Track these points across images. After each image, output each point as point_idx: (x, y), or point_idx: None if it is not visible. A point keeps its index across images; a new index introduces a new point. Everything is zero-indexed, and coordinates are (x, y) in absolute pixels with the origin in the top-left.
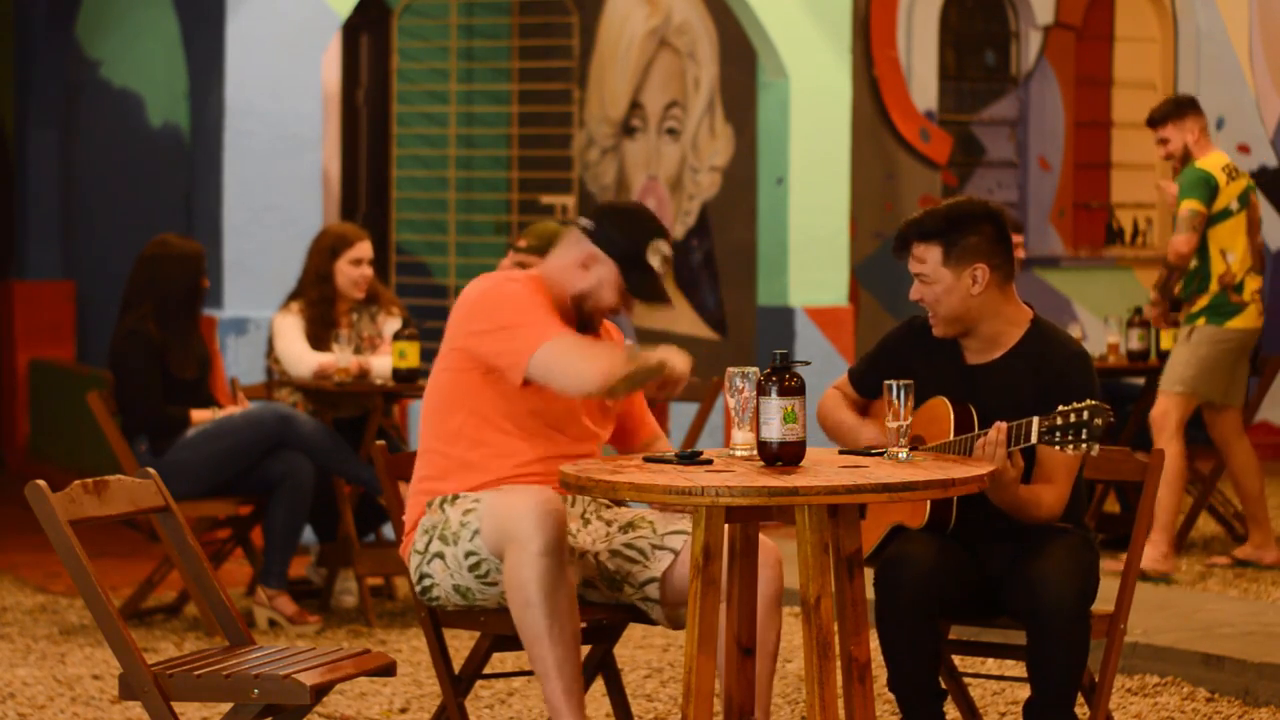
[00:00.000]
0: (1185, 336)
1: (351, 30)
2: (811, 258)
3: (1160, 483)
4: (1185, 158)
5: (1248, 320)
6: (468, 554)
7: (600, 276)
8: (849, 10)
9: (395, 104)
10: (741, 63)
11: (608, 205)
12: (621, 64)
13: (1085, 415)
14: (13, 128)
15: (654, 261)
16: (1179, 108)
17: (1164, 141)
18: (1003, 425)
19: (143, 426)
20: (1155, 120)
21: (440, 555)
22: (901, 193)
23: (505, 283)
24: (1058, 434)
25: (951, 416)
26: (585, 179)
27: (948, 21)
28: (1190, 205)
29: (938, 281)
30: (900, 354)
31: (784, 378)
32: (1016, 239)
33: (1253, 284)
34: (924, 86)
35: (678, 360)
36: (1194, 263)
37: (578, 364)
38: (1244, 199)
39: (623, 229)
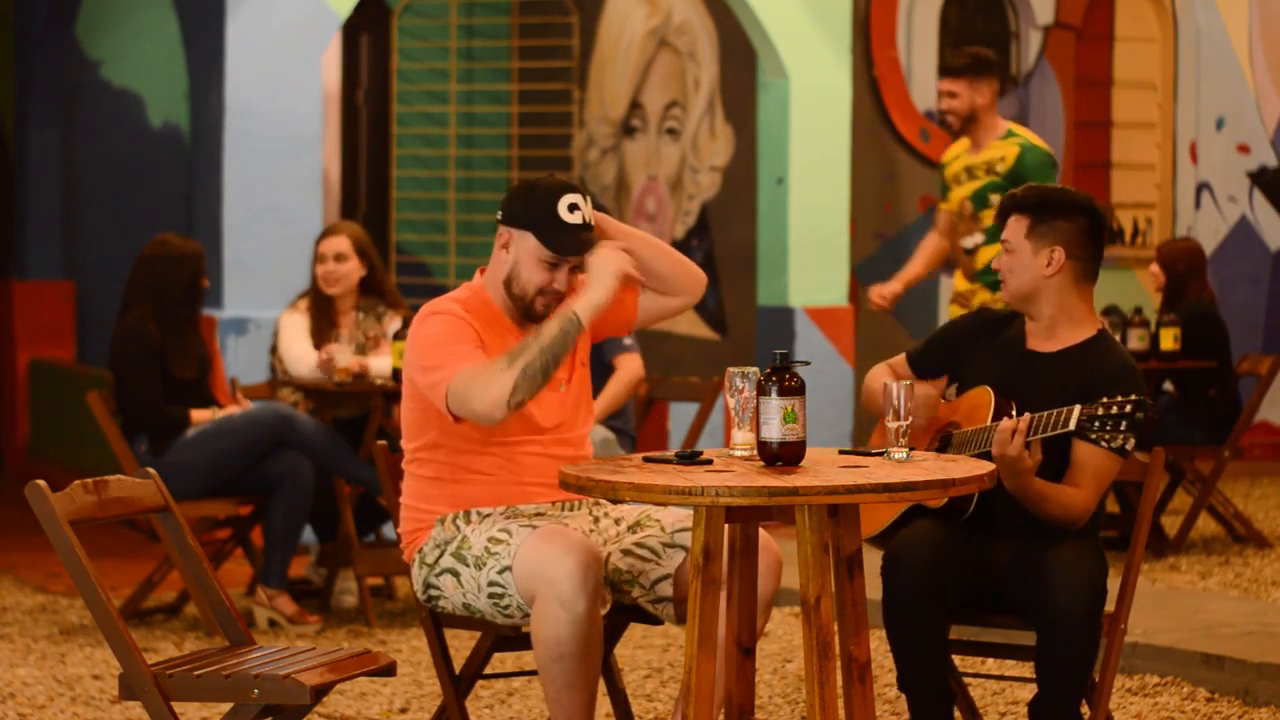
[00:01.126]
0: None
1: (351, 30)
2: (811, 258)
3: None
4: (967, 120)
5: None
6: (491, 583)
7: (517, 252)
8: (849, 10)
9: (395, 104)
10: (741, 63)
11: (513, 186)
12: (621, 64)
13: (1129, 409)
14: (13, 128)
15: (571, 216)
16: (981, 64)
17: (951, 95)
18: (1027, 416)
19: (143, 426)
20: (953, 70)
21: (453, 573)
22: (901, 193)
23: (430, 318)
24: (1096, 423)
25: (991, 405)
26: (585, 179)
27: (948, 21)
28: None
29: (1017, 252)
30: (961, 338)
31: (784, 378)
32: None
33: None
34: (924, 86)
35: (602, 287)
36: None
37: (475, 397)
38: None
39: (526, 199)
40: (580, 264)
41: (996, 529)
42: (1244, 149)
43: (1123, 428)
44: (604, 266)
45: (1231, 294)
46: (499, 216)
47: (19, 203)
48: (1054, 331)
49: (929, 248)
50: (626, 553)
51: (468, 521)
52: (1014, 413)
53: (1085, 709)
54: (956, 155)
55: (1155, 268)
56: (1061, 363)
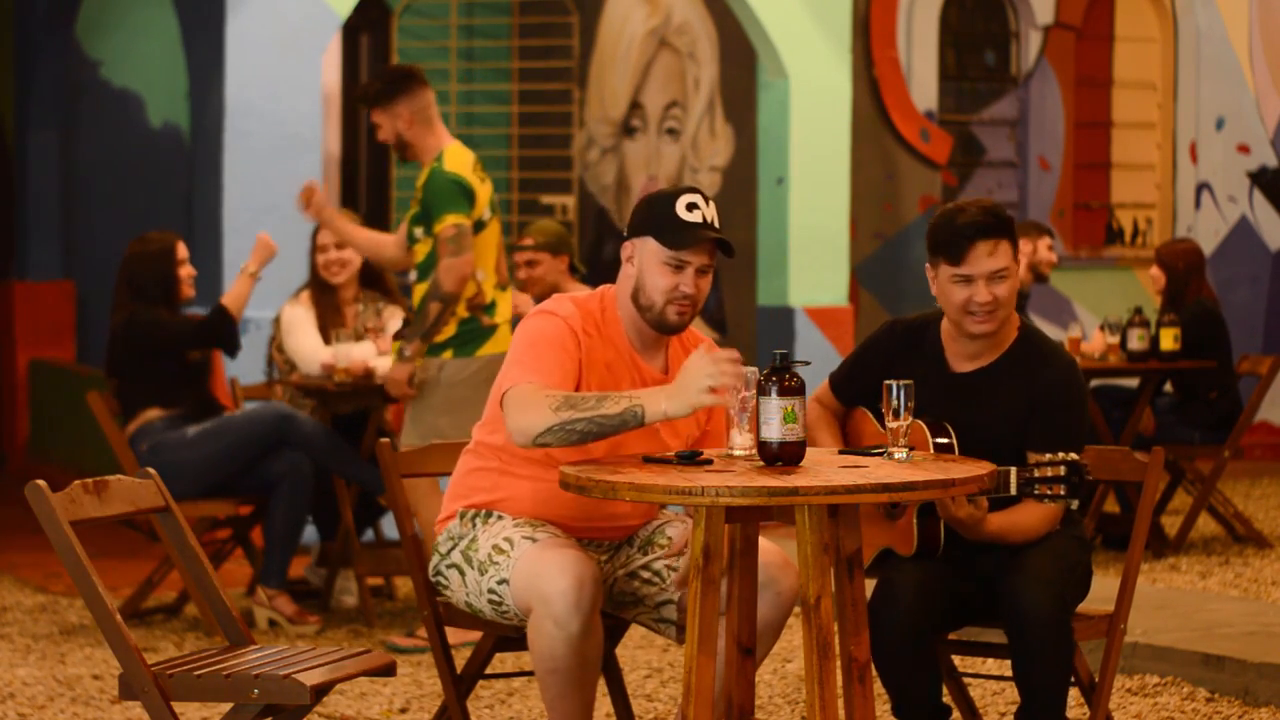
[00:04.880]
0: (434, 376)
1: (351, 30)
2: (811, 258)
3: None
4: (400, 148)
5: (498, 345)
6: (490, 590)
7: (641, 260)
8: (849, 10)
9: None
10: (741, 63)
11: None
12: (621, 64)
13: (1064, 471)
14: (13, 128)
15: (689, 215)
16: (388, 87)
17: (376, 126)
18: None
19: (212, 338)
20: (362, 100)
21: (460, 570)
22: (901, 193)
23: (541, 315)
24: (1036, 486)
25: (929, 441)
26: (585, 179)
27: (948, 21)
28: (456, 220)
29: (1012, 276)
30: (882, 360)
31: (784, 378)
32: (1045, 240)
33: (504, 303)
34: (924, 86)
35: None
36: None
37: (514, 415)
38: (494, 204)
39: (646, 205)
40: (708, 266)
41: (974, 544)
42: (1244, 149)
43: (1063, 492)
44: (698, 379)
45: (1231, 294)
46: (625, 233)
47: (19, 203)
48: (990, 344)
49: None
50: (632, 575)
51: (485, 521)
52: (954, 439)
53: (1084, 709)
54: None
55: (1155, 270)
56: (996, 378)
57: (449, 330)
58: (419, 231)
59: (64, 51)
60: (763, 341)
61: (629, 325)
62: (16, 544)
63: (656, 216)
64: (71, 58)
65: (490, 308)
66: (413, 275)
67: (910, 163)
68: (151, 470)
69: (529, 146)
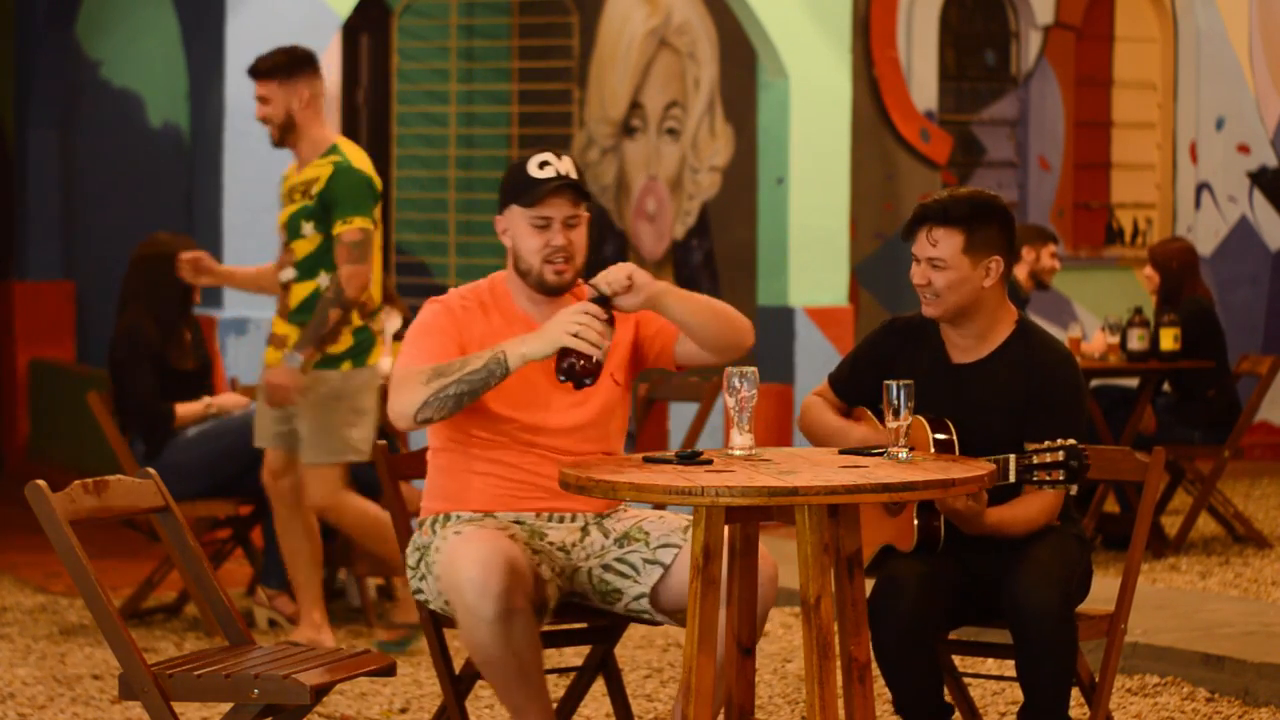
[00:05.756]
0: (337, 388)
1: (351, 30)
2: (811, 258)
3: (294, 552)
4: (284, 129)
5: (379, 354)
6: (440, 593)
7: (511, 229)
8: (849, 10)
9: (395, 104)
10: (741, 63)
11: None
12: (621, 64)
13: (1063, 456)
14: (13, 128)
15: (541, 171)
16: (294, 63)
17: (263, 101)
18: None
19: (133, 422)
20: (261, 72)
21: (425, 578)
22: (901, 193)
23: (425, 306)
24: (1035, 473)
25: (930, 437)
26: (585, 179)
27: (948, 21)
28: (364, 225)
29: (953, 269)
30: (882, 358)
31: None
32: (1049, 248)
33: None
34: (924, 86)
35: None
36: (316, 290)
37: (391, 401)
38: (378, 205)
39: (505, 176)
40: (577, 219)
41: (975, 543)
42: (1244, 149)
43: (1061, 477)
44: (558, 323)
45: (1231, 294)
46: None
47: (19, 203)
48: (982, 338)
49: (266, 267)
50: (607, 568)
51: (444, 525)
52: (954, 435)
53: (1084, 709)
54: (288, 174)
55: (1149, 269)
56: (995, 369)
57: (345, 341)
58: (309, 227)
59: (64, 51)
60: (763, 342)
61: (520, 297)
62: (16, 544)
63: (514, 183)
64: (71, 58)
65: (374, 313)
66: (290, 273)
67: (910, 163)
68: (151, 470)
69: (529, 146)
